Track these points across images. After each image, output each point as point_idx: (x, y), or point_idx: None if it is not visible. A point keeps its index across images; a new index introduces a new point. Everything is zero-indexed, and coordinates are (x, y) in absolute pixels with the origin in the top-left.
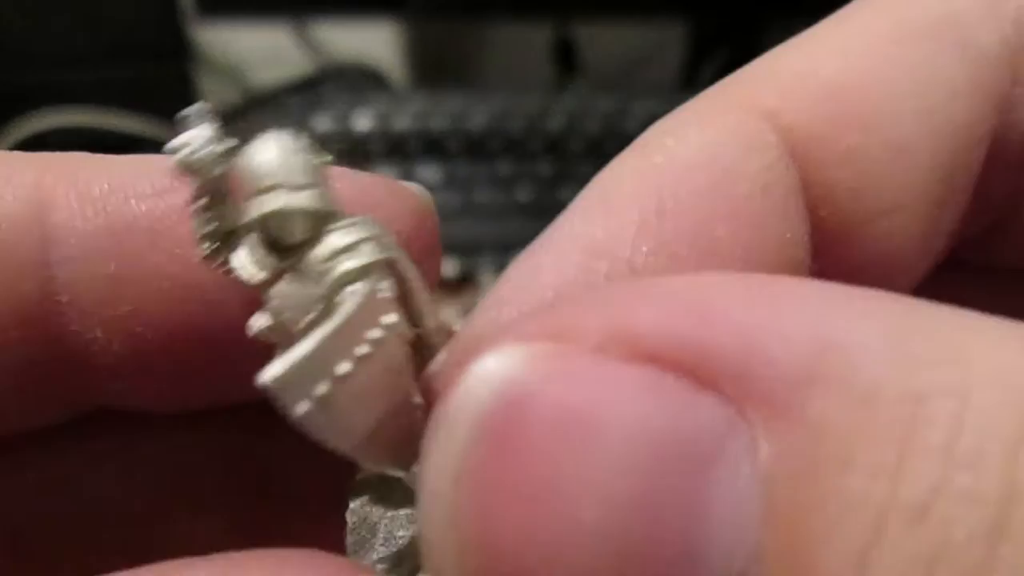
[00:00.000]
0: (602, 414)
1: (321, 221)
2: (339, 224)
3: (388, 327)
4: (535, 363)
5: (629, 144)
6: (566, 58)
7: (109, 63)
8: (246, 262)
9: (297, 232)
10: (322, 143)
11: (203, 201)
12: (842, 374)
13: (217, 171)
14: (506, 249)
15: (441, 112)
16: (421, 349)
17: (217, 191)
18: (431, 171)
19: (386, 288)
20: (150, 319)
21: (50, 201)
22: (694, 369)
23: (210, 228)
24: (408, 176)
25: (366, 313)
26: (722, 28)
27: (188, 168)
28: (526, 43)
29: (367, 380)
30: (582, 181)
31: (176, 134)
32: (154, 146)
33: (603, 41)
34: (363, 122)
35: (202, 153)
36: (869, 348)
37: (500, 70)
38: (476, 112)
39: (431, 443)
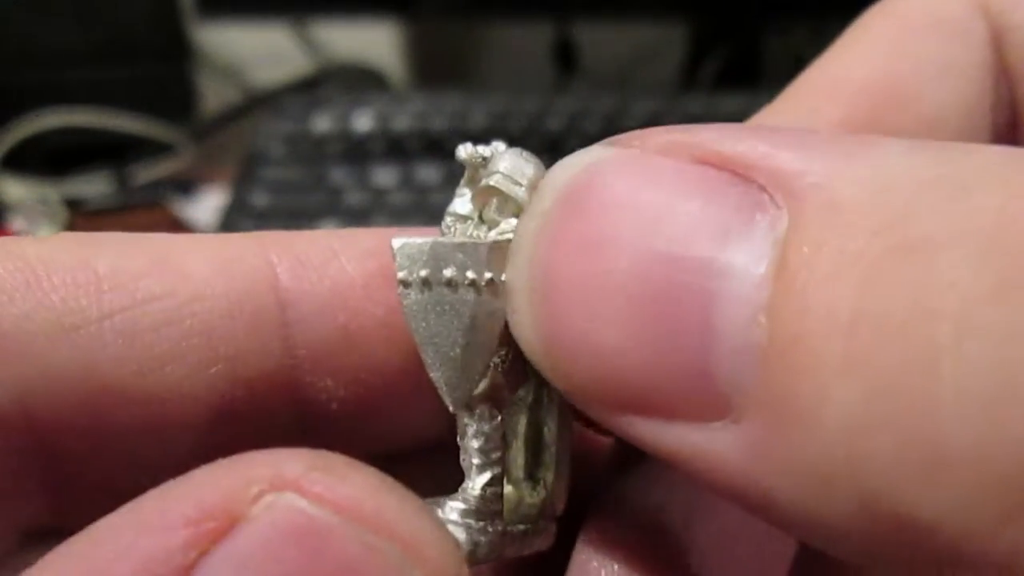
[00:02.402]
0: (649, 192)
1: (519, 210)
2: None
3: (500, 282)
4: (609, 155)
5: None
6: (566, 58)
7: (109, 63)
8: (458, 206)
9: (502, 210)
10: (322, 143)
11: (463, 186)
12: (860, 171)
13: (478, 163)
14: None
15: (441, 112)
16: None
17: (473, 180)
18: (431, 171)
19: None
20: (371, 366)
21: (278, 272)
22: (734, 167)
23: (457, 206)
24: (408, 176)
25: (491, 258)
26: (722, 28)
27: (464, 161)
28: (526, 43)
29: (459, 299)
30: None
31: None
32: (154, 146)
33: (603, 41)
34: (363, 122)
35: (472, 152)
36: (889, 156)
37: (500, 70)
38: (476, 112)
39: (526, 210)
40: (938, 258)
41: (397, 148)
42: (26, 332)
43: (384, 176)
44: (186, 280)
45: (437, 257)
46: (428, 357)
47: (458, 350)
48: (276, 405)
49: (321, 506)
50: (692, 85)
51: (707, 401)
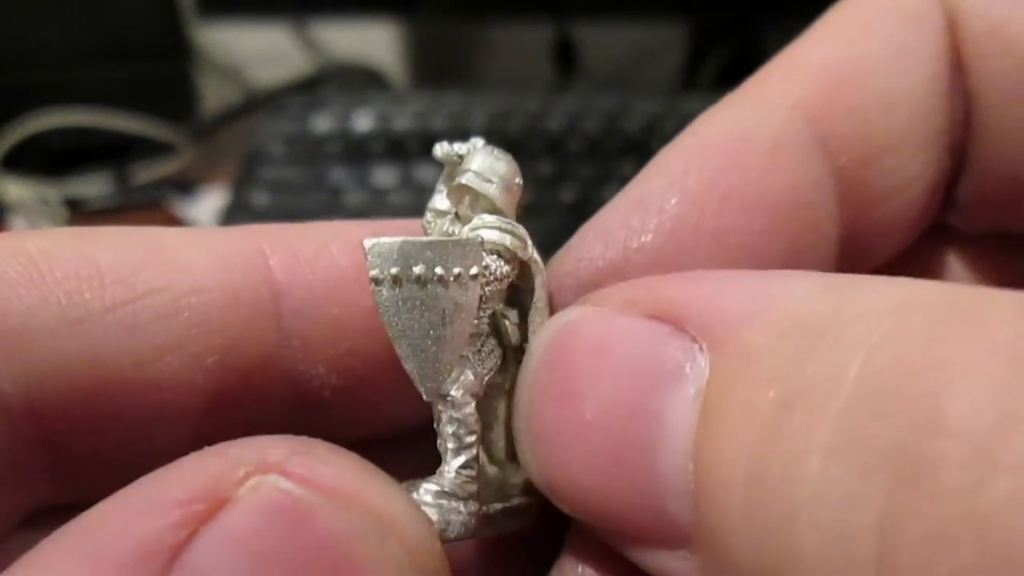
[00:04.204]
0: (609, 345)
1: (493, 208)
2: (497, 217)
3: (468, 277)
4: (580, 315)
5: (629, 144)
6: (566, 58)
7: (109, 63)
8: (437, 202)
9: (474, 206)
10: (322, 143)
11: (441, 183)
12: (763, 315)
13: (454, 161)
14: None
15: (441, 112)
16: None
17: (450, 177)
18: (431, 171)
19: (492, 263)
20: (362, 354)
21: (271, 264)
22: (675, 317)
23: (436, 202)
24: (408, 176)
25: (459, 256)
26: (722, 28)
27: (440, 159)
28: (526, 43)
29: (429, 295)
30: (582, 181)
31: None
32: (154, 146)
33: (603, 41)
34: (363, 122)
35: (448, 151)
36: (788, 298)
37: (500, 70)
38: (476, 112)
39: (522, 366)
40: (808, 418)
41: (397, 148)
42: (32, 326)
43: (384, 176)
44: (185, 273)
45: (407, 255)
46: (402, 350)
47: (429, 343)
48: (271, 392)
49: (304, 486)
50: (692, 85)
51: (670, 534)
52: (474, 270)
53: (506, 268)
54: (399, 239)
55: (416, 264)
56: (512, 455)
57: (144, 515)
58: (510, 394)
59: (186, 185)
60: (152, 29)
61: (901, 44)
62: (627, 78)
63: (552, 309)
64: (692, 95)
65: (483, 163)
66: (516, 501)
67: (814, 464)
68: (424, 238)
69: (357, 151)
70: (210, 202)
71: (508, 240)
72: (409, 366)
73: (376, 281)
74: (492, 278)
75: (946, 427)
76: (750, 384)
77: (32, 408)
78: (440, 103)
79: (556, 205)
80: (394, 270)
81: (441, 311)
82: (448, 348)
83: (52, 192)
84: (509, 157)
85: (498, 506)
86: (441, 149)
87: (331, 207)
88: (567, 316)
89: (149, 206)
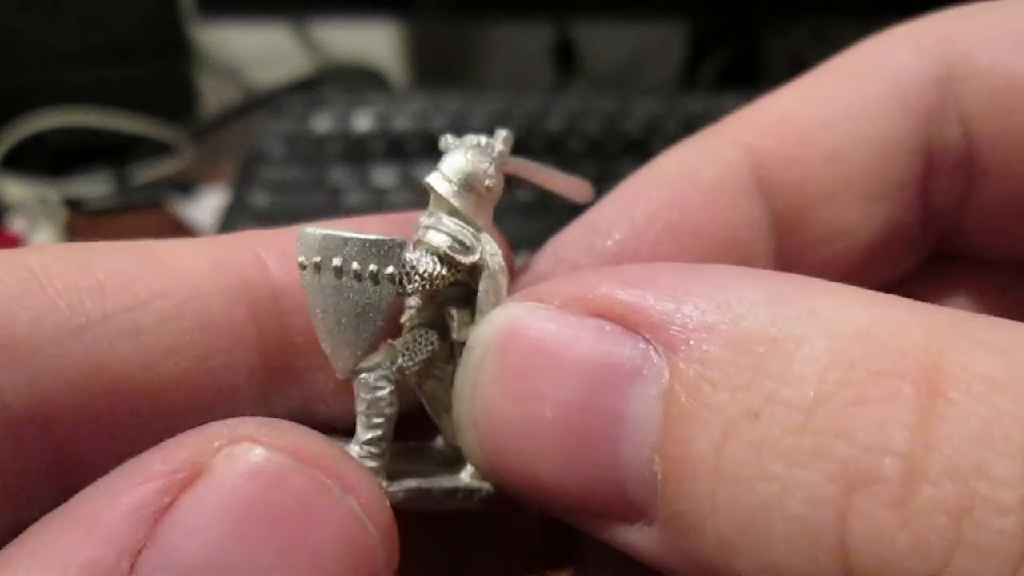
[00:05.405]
0: (559, 345)
1: (451, 209)
2: (451, 220)
3: (384, 275)
4: (523, 312)
5: (629, 144)
6: (566, 58)
7: (109, 63)
8: None
9: (437, 204)
10: (322, 143)
11: None
12: (722, 326)
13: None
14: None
15: (441, 112)
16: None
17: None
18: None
19: (424, 264)
20: None
21: (268, 265)
22: (624, 320)
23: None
24: (408, 176)
25: (376, 255)
26: (722, 28)
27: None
28: (526, 43)
29: (343, 285)
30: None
31: None
32: (154, 146)
33: (603, 41)
34: (363, 122)
35: (446, 145)
36: (744, 309)
37: (500, 70)
38: (476, 112)
39: (462, 360)
40: (772, 428)
41: (397, 148)
42: (35, 336)
43: (384, 176)
44: (184, 278)
45: (328, 247)
46: (318, 330)
47: (342, 329)
48: (277, 389)
49: (272, 451)
50: (692, 85)
51: (626, 511)
52: (390, 269)
53: (442, 271)
54: (325, 231)
55: (335, 256)
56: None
57: (129, 487)
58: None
59: (186, 185)
60: (152, 29)
61: (866, 102)
62: (627, 78)
63: None
64: (692, 95)
65: (450, 162)
66: (464, 483)
67: (780, 467)
68: (348, 232)
69: (357, 151)
70: (210, 202)
71: (446, 244)
72: (324, 345)
73: (301, 266)
74: (419, 278)
75: (886, 447)
76: (714, 391)
77: (37, 419)
78: (440, 103)
79: (556, 205)
80: (316, 259)
81: (354, 303)
82: (360, 337)
83: (52, 192)
84: (484, 157)
85: (443, 484)
86: (444, 143)
87: (331, 207)
88: (510, 311)
89: (149, 206)
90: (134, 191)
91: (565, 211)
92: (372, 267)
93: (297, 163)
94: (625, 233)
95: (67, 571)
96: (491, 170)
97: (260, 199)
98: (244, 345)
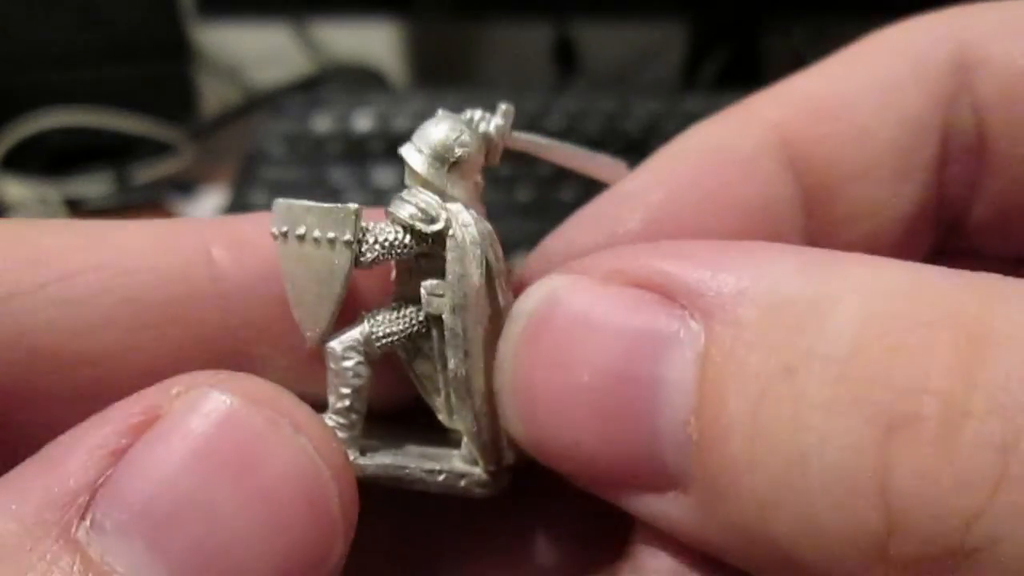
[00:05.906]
0: (599, 314)
1: (421, 179)
2: (418, 189)
3: (341, 242)
4: (565, 284)
5: (629, 144)
6: (566, 58)
7: (109, 63)
8: None
9: (411, 175)
10: (322, 143)
11: None
12: (757, 291)
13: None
14: (507, 249)
15: None
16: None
17: None
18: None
19: (384, 233)
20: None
21: (212, 249)
22: (662, 289)
23: None
24: None
25: (333, 222)
26: (722, 28)
27: None
28: (526, 43)
29: (307, 253)
30: (582, 181)
31: None
32: (154, 146)
33: (603, 41)
34: (363, 122)
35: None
36: (779, 275)
37: (500, 70)
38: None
39: (504, 332)
40: (809, 381)
41: (397, 148)
42: None
43: (384, 176)
44: (120, 254)
45: (294, 216)
46: (290, 300)
47: (310, 296)
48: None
49: (228, 393)
50: (692, 85)
51: (661, 479)
52: (347, 236)
53: (403, 239)
54: (291, 202)
55: (299, 225)
56: (452, 415)
57: (90, 432)
58: (441, 358)
59: (186, 185)
60: (152, 29)
61: (889, 81)
62: (627, 78)
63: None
64: (692, 95)
65: (424, 133)
66: (450, 466)
67: (818, 417)
68: (310, 203)
69: (357, 151)
70: (210, 202)
71: (407, 212)
72: (295, 311)
73: (273, 236)
74: (379, 247)
75: (925, 388)
76: (750, 352)
77: None
78: (440, 103)
79: (556, 205)
80: (284, 228)
81: (316, 271)
82: (324, 303)
83: (52, 192)
84: (457, 127)
85: (424, 464)
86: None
87: None
88: (552, 283)
89: (149, 206)
90: (134, 191)
91: (565, 211)
92: (331, 234)
93: (297, 163)
94: (665, 199)
95: (26, 502)
96: (463, 139)
97: (260, 199)
98: (180, 324)
